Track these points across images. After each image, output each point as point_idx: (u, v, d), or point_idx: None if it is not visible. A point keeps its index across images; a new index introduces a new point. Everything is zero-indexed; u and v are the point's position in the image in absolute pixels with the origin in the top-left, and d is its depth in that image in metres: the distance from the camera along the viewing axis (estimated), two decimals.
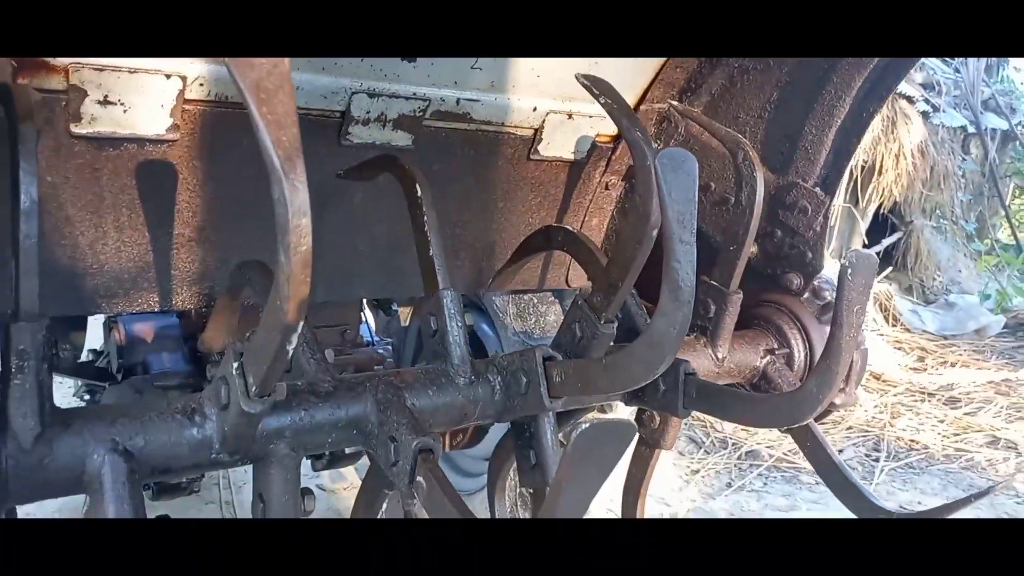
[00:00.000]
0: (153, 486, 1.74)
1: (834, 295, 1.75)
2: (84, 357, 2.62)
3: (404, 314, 3.09)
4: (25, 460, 0.92)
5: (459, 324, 1.31)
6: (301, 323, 0.84)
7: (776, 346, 1.69)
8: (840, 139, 1.63)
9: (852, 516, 1.56)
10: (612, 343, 1.43)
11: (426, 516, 1.07)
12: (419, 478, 1.07)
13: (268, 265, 1.40)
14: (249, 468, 1.16)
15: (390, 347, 2.39)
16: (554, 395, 1.23)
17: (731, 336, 1.62)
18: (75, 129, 1.28)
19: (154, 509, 1.09)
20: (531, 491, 1.40)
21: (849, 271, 1.11)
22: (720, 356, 1.61)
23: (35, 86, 1.21)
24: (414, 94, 1.56)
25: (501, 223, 1.93)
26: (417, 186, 1.35)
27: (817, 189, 1.67)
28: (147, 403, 1.04)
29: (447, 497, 1.02)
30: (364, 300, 2.42)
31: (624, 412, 2.09)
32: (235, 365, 0.95)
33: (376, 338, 2.36)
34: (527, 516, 2.69)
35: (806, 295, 1.71)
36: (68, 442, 0.95)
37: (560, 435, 1.38)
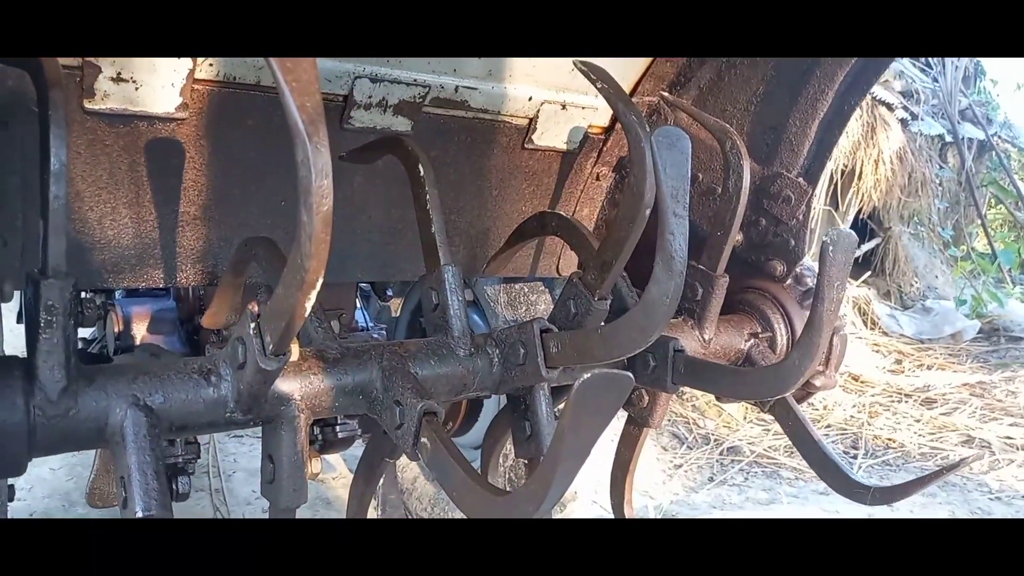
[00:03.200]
0: None
1: (815, 281, 1.83)
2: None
3: (395, 305, 3.14)
4: (52, 411, 0.96)
5: (459, 298, 1.36)
6: (320, 280, 0.89)
7: (760, 330, 1.76)
8: (823, 131, 1.70)
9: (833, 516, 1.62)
10: (603, 322, 1.49)
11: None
12: (423, 439, 1.12)
13: (275, 242, 1.45)
14: (237, 455, 1.20)
15: (384, 333, 2.43)
16: (551, 364, 1.28)
17: (717, 319, 1.69)
18: (88, 105, 1.32)
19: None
20: (526, 462, 1.45)
21: (831, 248, 1.18)
22: (707, 338, 1.67)
23: None
24: (415, 80, 1.61)
25: (495, 211, 1.98)
26: (420, 166, 1.41)
27: (800, 179, 1.74)
28: (165, 363, 1.08)
29: (451, 456, 1.07)
30: (358, 287, 2.47)
31: None
32: (252, 325, 1.00)
33: (371, 324, 2.40)
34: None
35: (789, 281, 1.78)
36: (92, 396, 0.99)
37: (558, 407, 1.44)
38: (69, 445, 0.99)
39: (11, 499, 1.64)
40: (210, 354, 1.10)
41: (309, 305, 0.90)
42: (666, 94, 1.87)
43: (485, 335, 1.39)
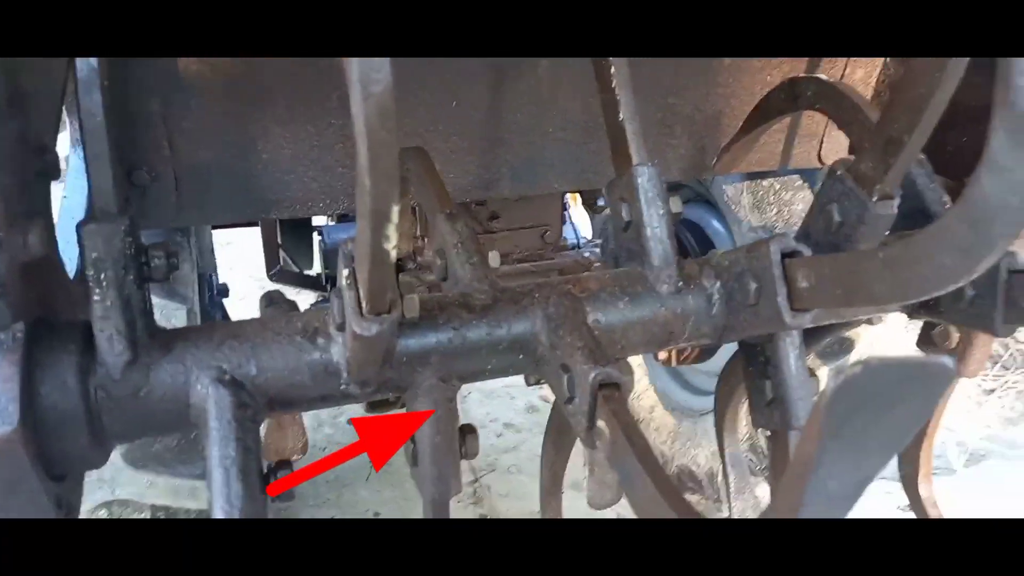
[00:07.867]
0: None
1: None
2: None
3: None
4: (116, 391, 0.77)
5: (660, 211, 0.97)
6: (395, 207, 0.56)
7: None
8: None
9: None
10: (888, 232, 1.00)
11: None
12: (600, 422, 0.78)
13: (427, 152, 1.16)
14: None
15: (599, 250, 2.09)
16: (799, 306, 0.86)
17: None
18: None
19: None
20: (767, 433, 1.05)
21: None
22: None
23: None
24: None
25: (729, 86, 1.52)
26: None
27: None
28: (262, 322, 0.86)
29: (635, 452, 0.72)
30: (568, 196, 2.14)
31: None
32: (346, 272, 0.72)
33: (583, 239, 2.07)
34: (763, 462, 2.32)
35: None
36: (167, 370, 0.79)
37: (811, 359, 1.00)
38: (148, 430, 0.81)
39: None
40: (317, 308, 0.85)
41: (390, 247, 0.59)
42: None
43: (699, 261, 0.99)
